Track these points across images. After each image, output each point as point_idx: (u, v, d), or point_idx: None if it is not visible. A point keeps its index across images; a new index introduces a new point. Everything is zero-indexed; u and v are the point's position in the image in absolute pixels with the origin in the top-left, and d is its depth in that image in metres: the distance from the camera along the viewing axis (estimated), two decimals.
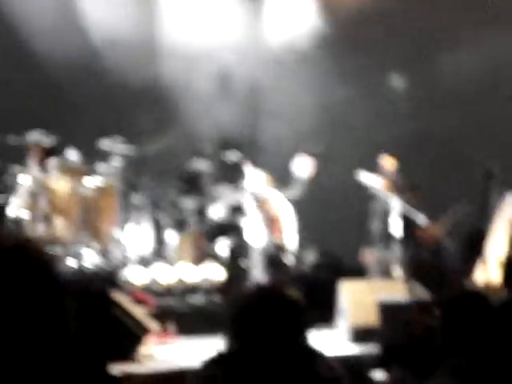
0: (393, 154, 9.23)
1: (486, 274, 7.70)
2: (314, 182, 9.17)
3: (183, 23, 10.40)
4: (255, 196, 8.81)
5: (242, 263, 8.69)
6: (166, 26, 10.34)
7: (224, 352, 2.78)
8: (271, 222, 8.79)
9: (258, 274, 8.50)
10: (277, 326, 2.69)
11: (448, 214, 8.89)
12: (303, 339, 2.75)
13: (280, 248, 8.74)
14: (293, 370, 2.68)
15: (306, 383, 2.69)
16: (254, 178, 8.89)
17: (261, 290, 2.88)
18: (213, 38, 10.35)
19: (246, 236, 8.73)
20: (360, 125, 10.20)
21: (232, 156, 9.63)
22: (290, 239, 9.06)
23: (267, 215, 8.77)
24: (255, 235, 8.65)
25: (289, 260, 8.94)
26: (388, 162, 9.10)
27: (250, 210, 8.78)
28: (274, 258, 8.58)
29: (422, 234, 8.86)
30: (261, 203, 8.80)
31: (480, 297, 2.99)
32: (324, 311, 7.29)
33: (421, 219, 8.63)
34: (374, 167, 8.89)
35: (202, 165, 9.40)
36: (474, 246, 8.08)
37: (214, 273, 8.64)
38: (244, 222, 8.81)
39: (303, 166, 9.04)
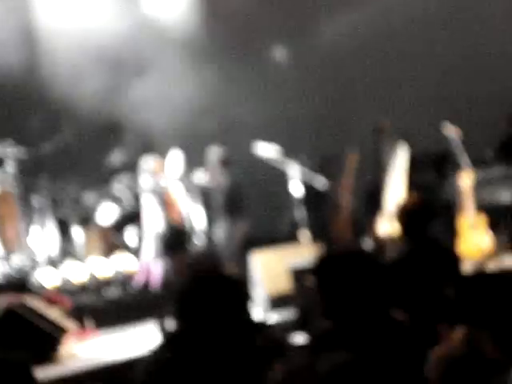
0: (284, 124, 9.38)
1: (387, 225, 7.94)
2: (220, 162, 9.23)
3: (57, 11, 10.19)
4: (152, 183, 8.83)
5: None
6: (41, 16, 10.13)
7: (170, 335, 2.81)
8: (169, 206, 8.83)
9: (155, 257, 8.55)
10: (220, 303, 2.74)
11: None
12: (246, 313, 2.82)
13: (178, 229, 8.79)
14: (239, 344, 2.73)
15: (252, 355, 2.75)
16: (148, 165, 8.91)
17: (200, 271, 2.92)
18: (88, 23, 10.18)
19: (146, 223, 8.76)
20: (252, 98, 10.27)
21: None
22: (195, 219, 9.12)
23: (164, 199, 8.81)
24: (154, 221, 8.69)
25: (191, 239, 9.00)
26: None
27: (147, 197, 8.80)
28: (170, 240, 8.63)
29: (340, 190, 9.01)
30: (158, 189, 8.83)
31: (356, 257, 2.88)
32: None
33: (319, 181, 8.81)
34: (268, 137, 9.01)
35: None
36: (372, 199, 8.32)
37: (126, 263, 8.64)
38: (145, 209, 8.83)
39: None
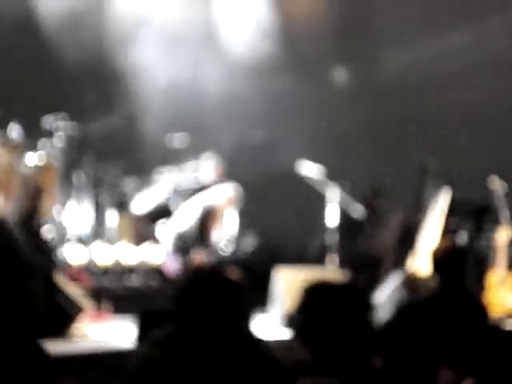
0: (331, 146, 9.38)
1: (417, 264, 7.91)
2: (257, 170, 9.28)
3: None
4: (197, 182, 8.87)
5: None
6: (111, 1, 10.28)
7: (164, 333, 2.76)
8: (207, 210, 8.86)
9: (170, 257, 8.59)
10: (216, 307, 2.66)
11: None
12: (243, 323, 2.73)
13: (198, 234, 8.82)
14: (231, 355, 2.65)
15: (242, 368, 2.67)
16: (195, 164, 8.95)
17: (200, 272, 2.86)
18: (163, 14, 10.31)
19: (175, 220, 8.80)
20: (303, 115, 10.30)
21: (176, 140, 9.68)
22: (228, 226, 9.15)
23: (204, 202, 8.84)
24: (184, 220, 8.73)
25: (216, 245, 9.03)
26: None
27: (188, 195, 8.84)
28: (186, 244, 8.66)
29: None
30: (195, 190, 8.87)
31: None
32: (259, 297, 7.40)
33: (357, 209, 8.79)
34: (315, 157, 9.02)
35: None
36: (407, 238, 8.28)
37: (153, 255, 8.69)
38: (181, 207, 8.88)
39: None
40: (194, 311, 2.66)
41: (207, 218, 8.87)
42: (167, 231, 8.95)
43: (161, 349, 2.68)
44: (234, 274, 2.75)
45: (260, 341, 2.84)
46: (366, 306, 2.77)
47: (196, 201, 8.79)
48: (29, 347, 1.50)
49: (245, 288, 2.74)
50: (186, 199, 8.85)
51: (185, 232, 8.68)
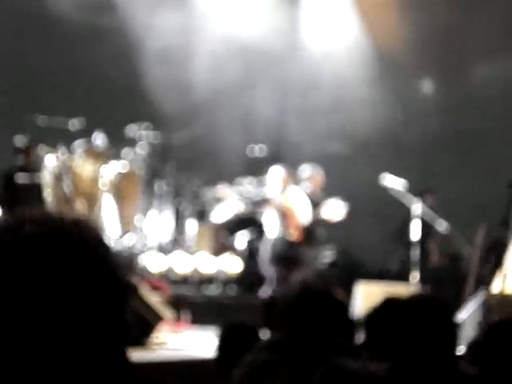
0: (419, 159, 9.22)
1: (504, 283, 7.67)
2: (340, 185, 9.17)
3: (218, 13, 10.40)
4: (275, 192, 8.80)
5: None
6: (202, 20, 10.35)
7: (268, 341, 2.82)
8: (287, 218, 8.76)
9: (266, 267, 8.52)
10: (321, 323, 2.71)
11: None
12: (348, 338, 2.79)
13: (291, 244, 8.72)
14: (329, 364, 2.64)
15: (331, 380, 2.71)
16: (277, 174, 8.87)
17: (308, 287, 2.91)
18: (246, 27, 10.34)
19: (264, 230, 8.74)
20: (388, 128, 10.18)
21: (258, 151, 9.67)
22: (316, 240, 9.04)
23: (284, 211, 8.75)
24: (271, 229, 8.66)
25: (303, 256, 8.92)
26: None
27: (269, 206, 8.78)
28: (282, 253, 8.58)
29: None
30: (279, 199, 8.79)
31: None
32: None
33: (441, 225, 8.60)
34: (400, 171, 8.88)
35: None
36: (493, 256, 8.05)
37: (231, 265, 8.68)
38: (264, 217, 8.82)
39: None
40: (302, 326, 2.73)
41: (289, 226, 8.78)
42: (251, 241, 8.91)
43: (267, 353, 2.74)
44: (339, 293, 2.79)
45: (357, 352, 2.86)
46: (445, 321, 2.79)
47: (274, 210, 8.71)
48: (118, 358, 1.46)
49: (347, 305, 2.82)
50: (265, 209, 8.79)
51: (276, 243, 8.60)
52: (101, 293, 1.33)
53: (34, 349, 1.27)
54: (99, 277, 1.32)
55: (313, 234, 8.81)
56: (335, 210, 8.66)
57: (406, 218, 8.70)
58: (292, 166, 9.09)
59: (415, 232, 8.46)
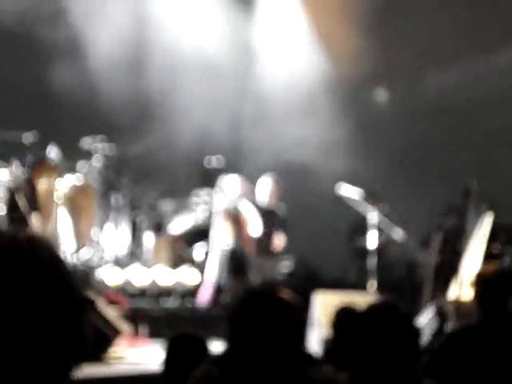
0: (373, 167, 9.28)
1: (460, 291, 7.74)
2: (297, 194, 9.21)
3: (172, 25, 10.36)
4: (229, 203, 8.80)
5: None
6: (155, 28, 10.31)
7: (220, 353, 2.74)
8: (242, 229, 8.78)
9: (221, 277, 8.52)
10: (270, 327, 2.64)
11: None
12: (296, 341, 2.71)
13: (247, 254, 8.74)
14: (286, 374, 2.63)
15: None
16: (231, 185, 8.88)
17: (253, 292, 2.85)
18: (200, 39, 10.33)
19: (215, 240, 8.74)
20: (343, 138, 10.24)
21: (215, 162, 9.66)
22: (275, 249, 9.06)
23: (238, 222, 8.76)
24: (226, 240, 8.66)
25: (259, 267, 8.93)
26: None
27: (221, 216, 8.78)
28: (237, 264, 8.58)
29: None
30: (233, 210, 8.79)
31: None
32: None
33: (397, 233, 8.66)
34: (356, 180, 8.93)
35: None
36: (449, 263, 8.13)
37: (189, 277, 8.64)
38: (218, 228, 8.81)
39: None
40: (249, 331, 2.65)
41: (242, 236, 8.80)
42: (208, 252, 8.89)
43: (218, 368, 2.67)
44: (286, 294, 2.72)
45: (315, 359, 2.83)
46: (406, 330, 2.82)
47: (226, 218, 8.71)
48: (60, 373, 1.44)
49: (296, 307, 2.71)
50: (219, 218, 8.78)
51: (227, 253, 8.61)
52: (56, 308, 1.32)
53: None
54: (54, 293, 1.31)
55: (268, 244, 8.84)
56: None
57: (357, 226, 8.76)
58: (249, 175, 9.10)
59: (371, 241, 8.51)
